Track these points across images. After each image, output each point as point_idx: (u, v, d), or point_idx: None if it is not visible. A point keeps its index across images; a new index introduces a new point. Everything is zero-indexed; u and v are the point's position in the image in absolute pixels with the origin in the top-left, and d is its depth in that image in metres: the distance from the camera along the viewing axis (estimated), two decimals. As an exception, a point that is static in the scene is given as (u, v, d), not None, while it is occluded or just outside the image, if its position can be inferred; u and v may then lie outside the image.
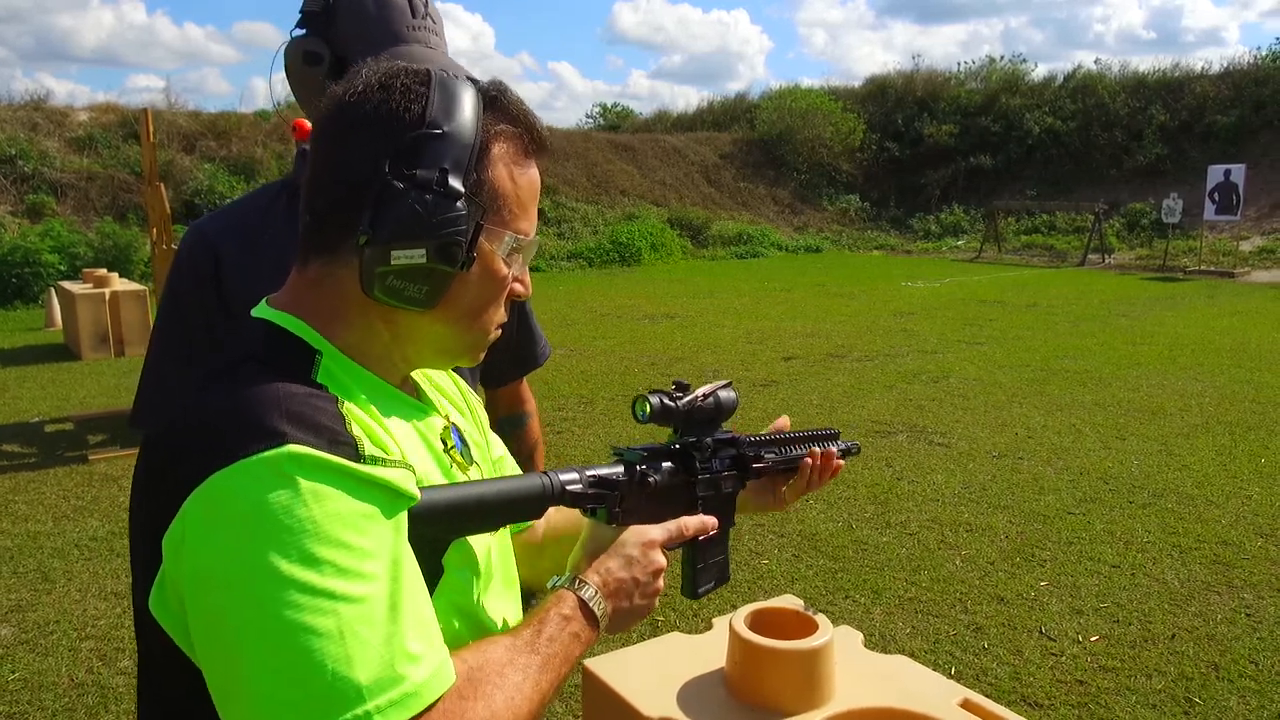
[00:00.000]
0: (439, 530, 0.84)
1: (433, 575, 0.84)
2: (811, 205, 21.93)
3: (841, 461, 1.26)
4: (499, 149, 0.86)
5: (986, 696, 1.25)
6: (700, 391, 1.08)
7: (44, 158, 12.94)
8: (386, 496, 0.74)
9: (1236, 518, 4.18)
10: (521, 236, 0.89)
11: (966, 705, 1.23)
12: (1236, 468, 4.90)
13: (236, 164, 14.27)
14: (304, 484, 0.70)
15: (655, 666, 1.30)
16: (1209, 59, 54.69)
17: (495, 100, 0.87)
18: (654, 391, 1.05)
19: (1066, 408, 6.19)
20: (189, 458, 0.72)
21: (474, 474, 1.00)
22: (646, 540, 0.95)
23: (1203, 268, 15.29)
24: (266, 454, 0.70)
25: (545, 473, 0.93)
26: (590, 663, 1.30)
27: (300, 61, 1.29)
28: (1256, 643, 3.05)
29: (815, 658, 1.20)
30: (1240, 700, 2.73)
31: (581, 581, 0.89)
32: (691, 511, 1.06)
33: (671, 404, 1.05)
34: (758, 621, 1.27)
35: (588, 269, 15.76)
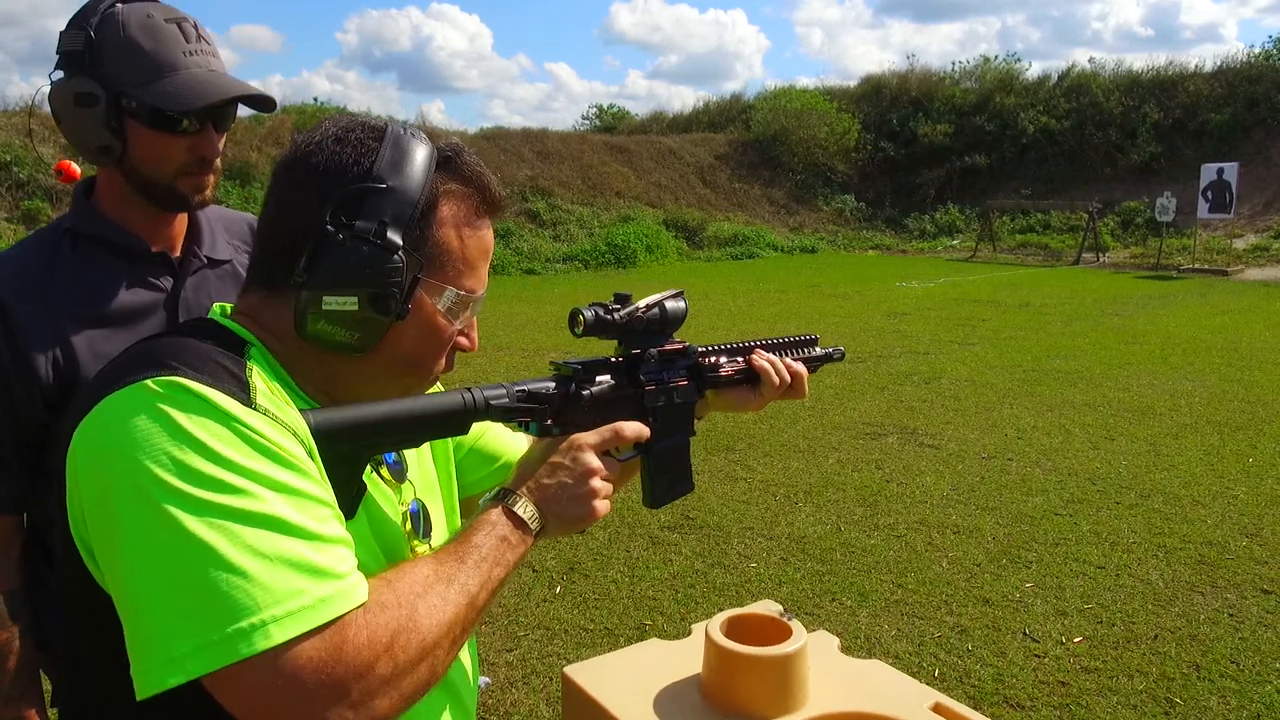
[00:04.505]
0: (352, 445, 0.84)
1: (354, 493, 0.85)
2: (807, 206, 21.96)
3: (800, 368, 1.25)
4: (448, 207, 0.89)
5: (969, 699, 1.29)
6: (643, 302, 1.08)
7: (39, 164, 12.94)
8: (262, 441, 0.74)
9: (1222, 518, 4.22)
10: (464, 293, 0.91)
11: (938, 709, 1.26)
12: (1224, 468, 4.94)
13: (232, 169, 14.26)
14: (184, 406, 0.72)
15: (633, 673, 1.33)
16: (1204, 56, 54.82)
17: (449, 160, 0.90)
18: (592, 304, 1.04)
19: (1057, 408, 6.22)
20: (93, 389, 0.77)
21: (403, 493, 1.00)
22: (577, 444, 0.96)
23: (1196, 266, 15.34)
24: (151, 379, 0.74)
25: (468, 388, 0.93)
26: (570, 670, 1.34)
27: (73, 104, 1.23)
28: (1238, 643, 3.09)
29: (788, 663, 1.23)
30: (1220, 700, 2.77)
31: (506, 492, 0.91)
32: (641, 423, 1.05)
33: (608, 316, 1.04)
34: (734, 628, 1.30)
35: (583, 271, 15.78)
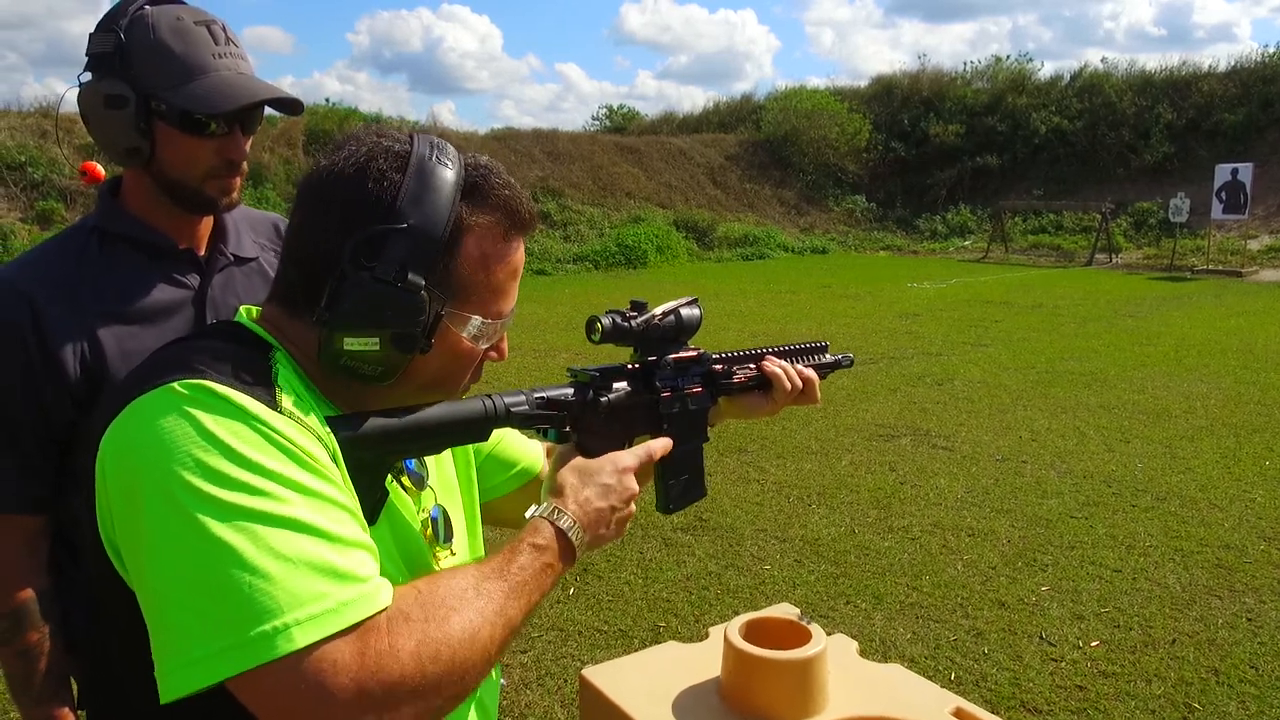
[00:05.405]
0: (375, 452, 0.84)
1: (377, 499, 0.85)
2: (818, 206, 21.92)
3: (811, 374, 1.26)
4: (473, 239, 0.86)
5: (986, 703, 1.28)
6: (659, 310, 1.09)
7: (53, 165, 13.02)
8: (288, 444, 0.75)
9: (1239, 521, 4.18)
10: (490, 320, 0.90)
11: (959, 714, 1.25)
12: (1241, 470, 4.90)
13: (244, 169, 14.34)
14: (211, 409, 0.73)
15: (651, 676, 1.33)
16: (1218, 56, 54.47)
17: (476, 187, 0.87)
18: (609, 311, 1.05)
19: (1071, 410, 6.19)
20: (122, 392, 0.77)
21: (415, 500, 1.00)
22: (622, 467, 0.97)
23: (1210, 267, 15.24)
24: (179, 382, 0.74)
25: (489, 395, 0.93)
26: (587, 672, 1.33)
27: (102, 106, 1.23)
28: (1257, 647, 3.06)
29: (808, 667, 1.23)
30: (1240, 705, 2.75)
31: (559, 511, 0.90)
32: (656, 429, 1.07)
33: (625, 324, 1.05)
34: (753, 631, 1.29)
35: (593, 271, 15.77)
